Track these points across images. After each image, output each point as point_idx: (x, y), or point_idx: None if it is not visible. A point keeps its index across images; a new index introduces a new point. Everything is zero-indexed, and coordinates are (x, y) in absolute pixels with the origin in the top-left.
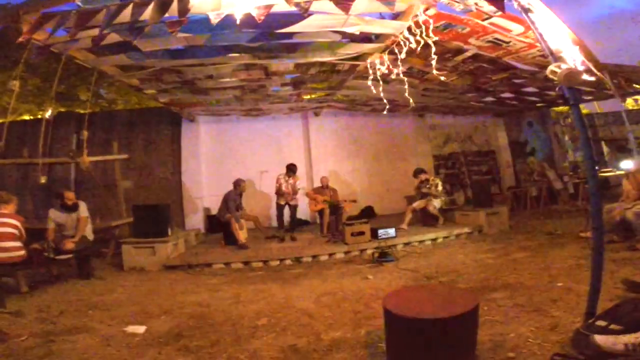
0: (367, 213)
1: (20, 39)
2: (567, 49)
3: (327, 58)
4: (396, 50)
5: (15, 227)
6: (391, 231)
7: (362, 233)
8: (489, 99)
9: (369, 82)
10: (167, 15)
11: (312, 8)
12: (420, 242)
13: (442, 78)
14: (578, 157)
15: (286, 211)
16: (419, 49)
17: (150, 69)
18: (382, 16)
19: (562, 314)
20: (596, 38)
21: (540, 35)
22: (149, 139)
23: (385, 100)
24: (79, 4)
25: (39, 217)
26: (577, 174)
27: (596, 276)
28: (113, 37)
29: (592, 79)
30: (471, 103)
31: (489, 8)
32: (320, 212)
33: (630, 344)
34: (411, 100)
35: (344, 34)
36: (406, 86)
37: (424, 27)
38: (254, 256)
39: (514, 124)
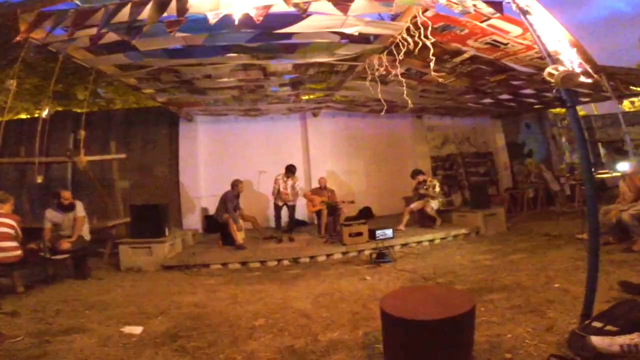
0: (365, 214)
1: (18, 38)
2: (565, 51)
3: (325, 59)
4: (394, 52)
5: (11, 226)
6: (389, 232)
7: (359, 234)
8: (487, 100)
9: (368, 83)
10: (165, 14)
11: (311, 9)
12: (418, 243)
13: (440, 79)
14: (575, 159)
15: (284, 212)
16: (417, 50)
17: (149, 68)
18: (380, 17)
19: (558, 315)
20: (594, 40)
21: (538, 37)
22: (146, 138)
23: (383, 101)
24: (78, 3)
25: (36, 217)
26: (574, 175)
27: (592, 278)
28: (111, 37)
29: (589, 81)
30: (469, 104)
31: (487, 10)
32: (318, 213)
33: (625, 345)
34: (409, 102)
35: (342, 35)
36: (404, 87)
37: (422, 28)
38: (252, 257)
39: (511, 125)
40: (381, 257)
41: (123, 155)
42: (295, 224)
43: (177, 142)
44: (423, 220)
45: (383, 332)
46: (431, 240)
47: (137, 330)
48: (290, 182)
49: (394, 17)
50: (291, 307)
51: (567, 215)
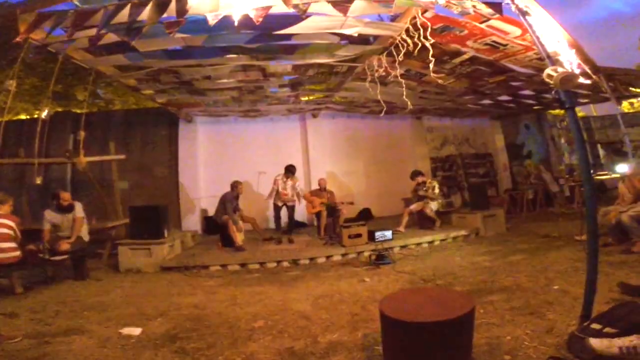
0: (365, 215)
1: (18, 39)
2: (564, 52)
3: (325, 60)
4: (394, 53)
5: (10, 227)
6: (388, 234)
7: (359, 235)
8: (486, 101)
9: (367, 84)
10: (165, 15)
11: (310, 10)
12: (417, 244)
13: (440, 81)
14: (574, 160)
15: (284, 212)
16: (416, 51)
17: (148, 69)
18: (380, 18)
19: (558, 317)
20: (593, 40)
21: (537, 38)
22: (146, 139)
23: (382, 102)
24: (77, 3)
25: (35, 218)
26: (573, 176)
27: (591, 279)
28: (111, 37)
29: (588, 82)
30: (468, 105)
31: (486, 11)
32: (318, 214)
33: (625, 347)
34: (409, 103)
35: (342, 36)
36: (404, 88)
37: (421, 29)
38: (251, 258)
39: (511, 126)
40: (380, 258)
41: (122, 156)
42: (295, 226)
43: (176, 143)
44: (422, 221)
45: (382, 334)
46: (431, 242)
47: (136, 331)
48: (290, 182)
49: (394, 18)
50: (291, 308)
51: (566, 217)
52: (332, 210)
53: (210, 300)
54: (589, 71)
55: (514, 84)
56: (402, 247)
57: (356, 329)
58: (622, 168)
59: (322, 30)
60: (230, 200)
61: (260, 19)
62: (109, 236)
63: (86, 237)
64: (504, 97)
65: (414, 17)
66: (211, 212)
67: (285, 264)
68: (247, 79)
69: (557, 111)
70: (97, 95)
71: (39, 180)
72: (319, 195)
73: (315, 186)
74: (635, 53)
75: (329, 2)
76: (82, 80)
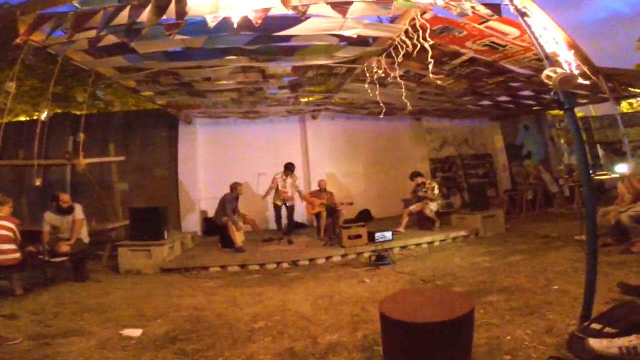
0: (364, 216)
1: (17, 40)
2: (563, 53)
3: (324, 61)
4: (393, 54)
5: (10, 229)
6: (388, 234)
7: (359, 236)
8: (486, 102)
9: (366, 86)
10: (164, 17)
11: (310, 11)
12: (417, 245)
13: (439, 82)
14: (573, 161)
15: (283, 212)
16: (415, 52)
17: (148, 70)
18: (379, 20)
19: (557, 317)
20: (593, 41)
21: (536, 39)
22: (146, 141)
23: (382, 104)
24: (77, 5)
25: (35, 220)
26: (573, 177)
27: (591, 279)
28: (110, 39)
29: (587, 82)
30: (468, 106)
31: (485, 12)
32: (317, 215)
33: (624, 347)
34: (408, 104)
35: (341, 37)
36: (403, 89)
37: (420, 30)
38: (251, 259)
39: (510, 127)
40: (380, 259)
41: (122, 158)
42: (295, 226)
43: (176, 145)
44: (422, 222)
45: (382, 335)
46: (430, 243)
47: (136, 333)
48: (289, 180)
49: (393, 20)
50: (290, 309)
51: (565, 217)
52: (332, 211)
53: (210, 302)
54: (587, 72)
55: (513, 84)
56: (402, 247)
57: (356, 329)
58: (622, 168)
59: (321, 31)
60: (229, 202)
61: (260, 21)
62: (109, 238)
63: (86, 239)
64: (503, 98)
65: (413, 19)
66: (211, 213)
67: (285, 265)
68: (246, 81)
69: (556, 112)
70: (97, 97)
71: (38, 182)
72: (319, 196)
73: (314, 187)
74: (634, 53)
75: (328, 3)
76: (82, 82)
